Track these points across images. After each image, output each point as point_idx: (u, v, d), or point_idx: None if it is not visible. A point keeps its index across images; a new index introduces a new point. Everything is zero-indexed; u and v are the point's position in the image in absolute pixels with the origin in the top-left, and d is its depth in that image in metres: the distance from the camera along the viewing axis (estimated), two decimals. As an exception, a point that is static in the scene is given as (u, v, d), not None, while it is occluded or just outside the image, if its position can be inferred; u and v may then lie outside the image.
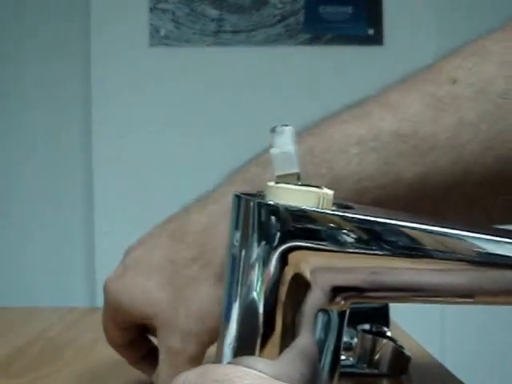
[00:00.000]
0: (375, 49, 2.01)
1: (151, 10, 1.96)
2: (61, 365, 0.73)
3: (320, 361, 0.30)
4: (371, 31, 2.01)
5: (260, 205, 0.30)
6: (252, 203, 0.30)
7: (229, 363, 0.30)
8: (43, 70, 1.98)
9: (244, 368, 0.28)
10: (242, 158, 1.95)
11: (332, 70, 1.99)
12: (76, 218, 1.97)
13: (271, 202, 0.30)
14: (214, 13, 1.98)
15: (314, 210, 0.29)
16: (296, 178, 0.30)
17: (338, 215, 0.29)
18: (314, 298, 0.30)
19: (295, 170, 0.30)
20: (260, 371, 0.28)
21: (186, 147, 1.94)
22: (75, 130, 1.98)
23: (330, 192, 0.30)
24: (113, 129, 1.95)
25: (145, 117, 1.95)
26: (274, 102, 1.95)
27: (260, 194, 0.32)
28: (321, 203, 0.30)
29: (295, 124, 0.32)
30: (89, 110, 1.94)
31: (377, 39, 2.01)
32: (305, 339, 0.30)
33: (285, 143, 0.31)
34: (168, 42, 1.96)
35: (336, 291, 0.30)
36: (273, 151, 0.31)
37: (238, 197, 0.31)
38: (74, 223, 1.98)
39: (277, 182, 0.30)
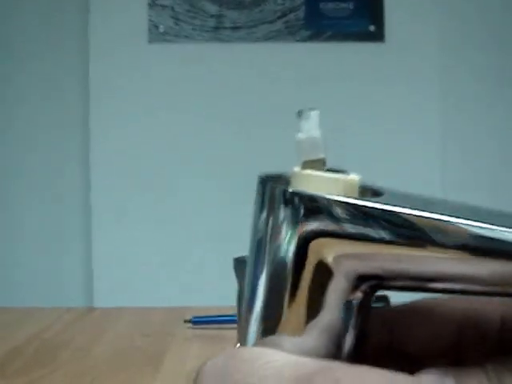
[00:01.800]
0: (376, 45, 2.00)
1: (150, 5, 1.95)
2: (57, 366, 0.72)
3: (344, 339, 0.30)
4: (372, 27, 2.00)
5: (285, 192, 0.29)
6: (277, 190, 0.29)
7: (254, 345, 0.30)
8: (41, 66, 1.97)
9: (271, 348, 0.28)
10: (241, 154, 1.94)
11: (333, 66, 1.98)
12: (73, 216, 1.96)
13: (296, 190, 0.29)
14: (213, 9, 1.97)
15: (338, 199, 0.28)
16: (322, 164, 0.30)
17: (362, 205, 0.28)
18: (338, 285, 0.29)
19: (321, 156, 0.30)
20: (287, 349, 0.28)
21: (184, 143, 1.93)
22: (73, 126, 1.97)
23: (356, 178, 0.30)
24: (111, 125, 1.93)
25: (144, 113, 1.93)
26: (274, 98, 1.93)
27: (286, 179, 0.31)
28: (346, 190, 0.29)
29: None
30: (87, 107, 1.93)
31: (378, 35, 2.00)
32: (329, 315, 0.30)
33: (311, 128, 0.30)
34: (167, 38, 1.95)
35: (360, 279, 0.29)
36: (299, 136, 0.30)
37: (263, 181, 0.30)
38: (71, 222, 1.97)
39: (303, 168, 0.30)
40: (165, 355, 0.77)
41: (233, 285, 0.51)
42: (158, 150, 1.93)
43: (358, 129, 1.95)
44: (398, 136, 1.96)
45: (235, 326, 0.69)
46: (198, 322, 0.87)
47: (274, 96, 1.94)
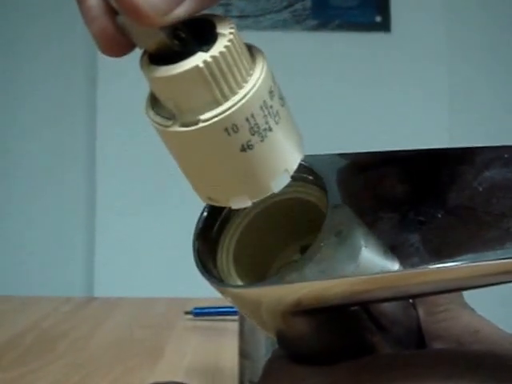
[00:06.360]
0: (382, 36, 1.97)
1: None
2: (54, 357, 0.71)
3: None
4: (379, 18, 1.98)
5: None
6: None
7: None
8: (47, 58, 1.95)
9: None
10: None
11: (339, 56, 1.95)
12: (77, 205, 1.95)
13: None
14: (219, -3, 1.95)
15: None
16: None
17: None
18: None
19: None
20: None
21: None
22: (79, 114, 1.95)
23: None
24: (117, 117, 1.91)
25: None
26: (281, 86, 1.91)
27: None
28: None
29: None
30: (93, 95, 1.92)
31: (384, 26, 1.98)
32: None
33: None
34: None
35: None
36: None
37: None
38: (75, 210, 1.95)
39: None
40: (164, 347, 0.76)
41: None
42: (162, 142, 1.91)
43: (363, 117, 1.92)
44: (404, 124, 1.93)
45: (236, 317, 0.68)
46: (199, 313, 0.86)
47: (280, 84, 1.92)
